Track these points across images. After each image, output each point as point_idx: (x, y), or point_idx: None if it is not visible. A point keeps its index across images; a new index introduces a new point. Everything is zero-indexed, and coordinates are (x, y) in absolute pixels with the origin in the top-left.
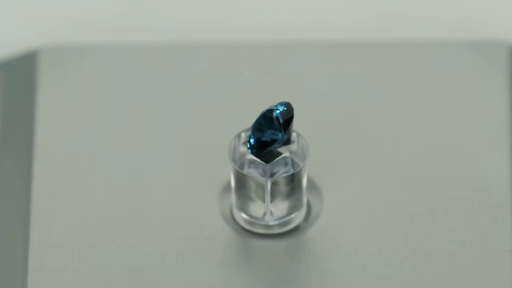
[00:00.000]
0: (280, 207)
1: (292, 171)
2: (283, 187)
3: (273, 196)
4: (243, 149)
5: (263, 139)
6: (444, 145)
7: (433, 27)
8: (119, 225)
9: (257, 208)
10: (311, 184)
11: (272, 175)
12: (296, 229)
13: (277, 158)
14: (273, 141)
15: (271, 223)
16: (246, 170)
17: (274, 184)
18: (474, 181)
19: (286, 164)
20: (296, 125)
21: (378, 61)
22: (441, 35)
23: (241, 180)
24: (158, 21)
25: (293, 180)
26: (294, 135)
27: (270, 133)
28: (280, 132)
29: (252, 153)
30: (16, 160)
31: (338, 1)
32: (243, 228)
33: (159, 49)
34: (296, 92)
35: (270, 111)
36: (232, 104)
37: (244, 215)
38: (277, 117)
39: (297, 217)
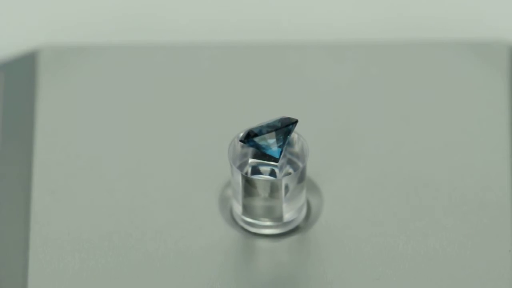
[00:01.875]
0: (254, 209)
1: (271, 180)
2: (261, 190)
3: (249, 195)
4: (243, 149)
5: (255, 130)
6: (444, 145)
7: (433, 27)
8: (119, 225)
9: (238, 204)
10: (311, 184)
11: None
12: (296, 229)
13: (262, 160)
14: (256, 134)
15: (246, 219)
16: (244, 170)
17: (250, 184)
18: (474, 181)
19: (272, 172)
20: (297, 125)
21: (378, 61)
22: (441, 35)
23: (235, 178)
24: (158, 21)
25: (272, 189)
26: (295, 136)
27: (261, 128)
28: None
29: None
30: (16, 160)
31: (339, 1)
32: (243, 228)
33: (159, 49)
34: (296, 92)
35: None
36: (232, 104)
37: (235, 210)
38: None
39: (278, 226)
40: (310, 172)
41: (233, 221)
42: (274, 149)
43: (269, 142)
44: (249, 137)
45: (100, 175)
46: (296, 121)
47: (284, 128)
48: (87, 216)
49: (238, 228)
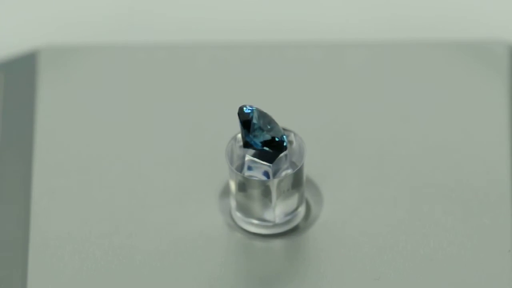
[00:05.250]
0: (283, 205)
1: (291, 169)
2: (286, 186)
3: (277, 196)
4: (241, 151)
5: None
6: (444, 145)
7: (433, 27)
8: (119, 225)
9: (260, 208)
10: (311, 184)
11: (274, 175)
12: (296, 229)
13: (257, 159)
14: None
15: (277, 221)
16: (246, 172)
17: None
18: (474, 181)
19: (284, 161)
20: (296, 125)
21: (378, 61)
22: (441, 35)
23: (242, 182)
24: (158, 21)
25: (295, 178)
26: (291, 135)
27: (263, 125)
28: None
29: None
30: (16, 160)
31: (339, 1)
32: (242, 228)
33: (159, 49)
34: (296, 92)
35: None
36: (232, 104)
37: (245, 217)
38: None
39: (300, 213)
40: (310, 172)
41: (232, 221)
42: (256, 142)
43: (256, 134)
44: (249, 117)
45: (99, 175)
46: (281, 152)
47: (271, 145)
48: (87, 216)
49: (237, 228)
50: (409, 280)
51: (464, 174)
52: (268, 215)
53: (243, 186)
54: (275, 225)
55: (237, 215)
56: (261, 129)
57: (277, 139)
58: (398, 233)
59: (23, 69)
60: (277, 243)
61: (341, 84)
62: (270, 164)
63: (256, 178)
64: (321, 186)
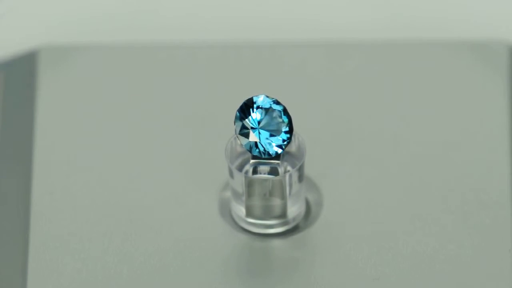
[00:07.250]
0: (260, 208)
1: (272, 177)
2: (263, 190)
3: (249, 194)
4: (240, 149)
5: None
6: (444, 145)
7: (433, 27)
8: (119, 225)
9: (233, 198)
10: (311, 184)
11: (253, 173)
12: (295, 229)
13: (260, 160)
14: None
15: (247, 219)
16: (243, 170)
17: (253, 184)
18: (474, 181)
19: (274, 171)
20: (296, 124)
21: (378, 61)
22: (441, 35)
23: (232, 178)
24: (158, 21)
25: (274, 186)
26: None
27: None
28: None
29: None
30: (16, 160)
31: (339, 1)
32: (242, 228)
33: (159, 49)
34: (296, 91)
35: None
36: (232, 104)
37: (234, 211)
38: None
39: (278, 226)
40: (309, 171)
41: (232, 221)
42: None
43: (237, 126)
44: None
45: (99, 175)
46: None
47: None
48: (87, 216)
49: (237, 228)
50: (409, 280)
51: (464, 174)
52: (240, 209)
53: (230, 172)
54: (278, 224)
55: (235, 213)
56: (252, 127)
57: (260, 147)
58: (398, 233)
59: (23, 69)
60: (277, 243)
61: (341, 84)
62: (250, 161)
63: (240, 170)
64: (321, 186)
